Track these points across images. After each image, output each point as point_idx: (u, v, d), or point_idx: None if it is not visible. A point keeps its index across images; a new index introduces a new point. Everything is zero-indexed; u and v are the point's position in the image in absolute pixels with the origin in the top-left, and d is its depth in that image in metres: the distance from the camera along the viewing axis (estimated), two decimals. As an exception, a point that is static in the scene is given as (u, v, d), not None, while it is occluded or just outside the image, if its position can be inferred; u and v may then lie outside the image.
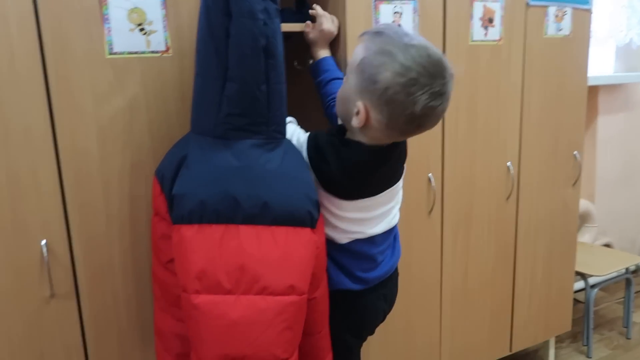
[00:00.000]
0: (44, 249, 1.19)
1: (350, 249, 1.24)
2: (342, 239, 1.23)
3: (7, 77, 1.12)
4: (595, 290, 2.37)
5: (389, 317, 1.42)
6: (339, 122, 1.24)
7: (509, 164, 1.92)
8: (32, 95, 1.15)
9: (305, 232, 1.08)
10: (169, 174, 1.10)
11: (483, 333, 1.99)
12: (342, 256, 1.25)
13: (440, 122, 1.69)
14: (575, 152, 2.10)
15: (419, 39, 1.08)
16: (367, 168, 1.15)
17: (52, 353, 1.24)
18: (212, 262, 1.03)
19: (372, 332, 1.41)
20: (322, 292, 1.16)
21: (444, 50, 1.70)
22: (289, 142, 1.16)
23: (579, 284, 2.67)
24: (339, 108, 1.19)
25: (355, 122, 1.10)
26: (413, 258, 1.75)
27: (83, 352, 1.28)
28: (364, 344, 1.44)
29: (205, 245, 1.04)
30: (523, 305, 2.09)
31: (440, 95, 1.04)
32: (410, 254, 1.74)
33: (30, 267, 1.19)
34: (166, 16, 1.26)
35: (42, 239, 1.19)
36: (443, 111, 1.09)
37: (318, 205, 1.11)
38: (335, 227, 1.21)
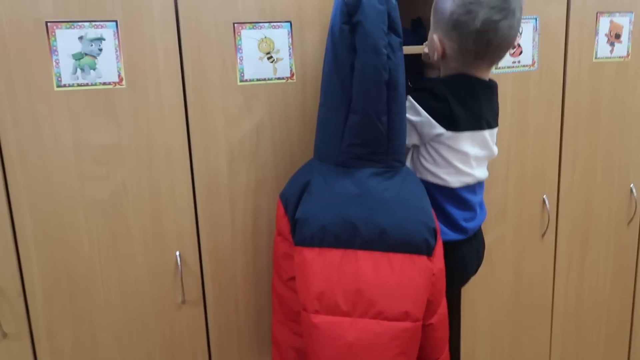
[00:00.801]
0: (178, 259, 1.31)
1: (459, 196, 1.29)
2: (455, 182, 1.27)
3: (154, 102, 1.24)
4: None
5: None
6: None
7: (631, 186, 1.81)
8: (173, 119, 1.26)
9: (421, 260, 1.10)
10: (293, 198, 1.17)
11: (595, 363, 1.90)
12: (450, 204, 1.29)
13: (557, 142, 1.65)
14: None
15: None
16: (474, 92, 1.23)
17: (182, 356, 1.37)
18: (331, 284, 1.09)
19: (464, 282, 1.46)
20: (440, 319, 1.17)
21: (564, 68, 1.63)
22: (408, 170, 1.19)
23: None
24: (429, 52, 1.28)
25: (435, 55, 1.23)
26: (523, 282, 1.71)
27: (207, 356, 1.39)
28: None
29: (325, 268, 1.10)
30: (642, 337, 1.96)
31: (501, 9, 1.13)
32: (521, 277, 1.70)
33: (167, 275, 1.32)
34: (292, 44, 1.33)
35: (177, 250, 1.31)
36: (510, 28, 1.16)
37: (435, 233, 1.13)
38: (451, 169, 1.26)
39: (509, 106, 1.58)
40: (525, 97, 1.59)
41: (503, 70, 1.55)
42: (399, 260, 1.08)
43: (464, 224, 1.30)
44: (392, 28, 1.09)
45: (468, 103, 1.22)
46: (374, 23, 1.06)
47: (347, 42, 1.10)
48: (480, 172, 1.32)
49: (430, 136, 1.23)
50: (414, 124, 1.22)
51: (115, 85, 1.21)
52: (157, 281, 1.31)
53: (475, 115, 1.24)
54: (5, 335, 1.23)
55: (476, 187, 1.34)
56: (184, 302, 1.34)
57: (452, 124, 1.20)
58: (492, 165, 1.58)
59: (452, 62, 1.23)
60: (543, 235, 1.70)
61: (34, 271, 1.22)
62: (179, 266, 1.31)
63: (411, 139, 1.25)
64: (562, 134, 1.67)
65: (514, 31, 1.18)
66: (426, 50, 1.47)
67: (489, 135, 1.29)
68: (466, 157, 1.26)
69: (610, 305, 1.87)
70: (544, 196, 1.68)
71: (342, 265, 1.08)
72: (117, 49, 1.20)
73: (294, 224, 1.13)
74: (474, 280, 1.61)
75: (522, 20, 1.54)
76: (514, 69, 1.56)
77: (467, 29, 1.14)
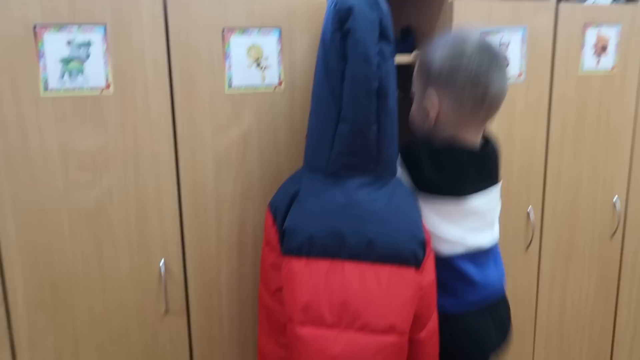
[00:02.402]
0: (163, 268, 1.29)
1: (453, 266, 1.22)
2: (447, 249, 1.21)
3: (142, 109, 1.22)
4: None
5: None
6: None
7: (615, 198, 1.83)
8: (161, 126, 1.25)
9: (408, 272, 1.10)
10: (282, 207, 1.16)
11: (577, 374, 1.92)
12: (447, 275, 1.22)
13: (543, 154, 1.67)
14: (690, 188, 1.96)
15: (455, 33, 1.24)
16: (455, 160, 1.19)
17: (164, 365, 1.35)
18: (317, 295, 1.08)
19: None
20: (429, 334, 1.16)
21: (551, 80, 1.65)
22: (399, 180, 1.18)
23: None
24: (416, 122, 1.26)
25: (429, 122, 1.20)
26: (507, 294, 1.71)
27: (191, 366, 1.38)
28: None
29: (312, 278, 1.08)
30: (624, 351, 1.98)
31: (490, 58, 1.14)
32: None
33: (150, 284, 1.30)
34: (281, 51, 1.32)
35: (161, 258, 1.29)
36: (502, 79, 1.16)
37: (424, 245, 1.12)
38: (441, 237, 1.20)
39: (496, 117, 1.58)
40: (512, 109, 1.60)
41: (491, 82, 1.55)
42: (386, 272, 1.07)
43: (464, 294, 1.23)
44: (383, 35, 1.08)
45: (452, 174, 1.19)
46: (365, 31, 1.05)
47: (338, 50, 1.09)
48: (477, 240, 1.24)
49: None
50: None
51: (103, 90, 1.19)
52: (141, 290, 1.29)
53: (461, 183, 1.20)
54: (-18, 344, 1.20)
55: (478, 257, 1.25)
56: (167, 312, 1.32)
57: (425, 186, 1.19)
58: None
59: (444, 126, 1.19)
60: (527, 247, 1.71)
61: (16, 280, 1.20)
62: (163, 275, 1.29)
63: None
64: (548, 146, 1.68)
65: (506, 86, 1.18)
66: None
67: (482, 198, 1.23)
68: (451, 223, 1.20)
69: (592, 319, 1.89)
70: (529, 208, 1.69)
71: (328, 276, 1.07)
72: (105, 54, 1.18)
73: (283, 233, 1.12)
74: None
75: (511, 31, 1.56)
76: (502, 81, 1.57)
77: (461, 81, 1.13)
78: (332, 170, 1.12)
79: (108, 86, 1.19)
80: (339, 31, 1.08)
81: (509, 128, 1.61)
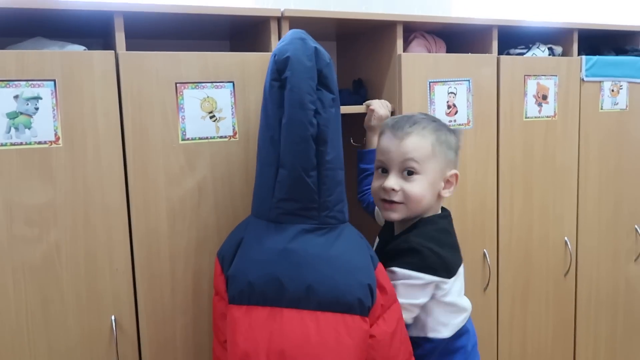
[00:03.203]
0: (114, 324, 1.25)
1: (460, 345, 1.24)
2: (461, 319, 1.24)
3: (92, 161, 1.22)
4: (665, 371, 2.23)
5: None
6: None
7: (566, 238, 1.88)
8: (112, 178, 1.24)
9: (353, 320, 1.07)
10: (228, 255, 1.15)
11: (543, 416, 1.91)
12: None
13: (494, 197, 1.72)
14: (636, 226, 2.04)
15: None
16: (448, 238, 1.26)
17: None
18: (255, 344, 1.05)
19: None
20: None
21: (497, 127, 1.72)
22: (348, 226, 1.18)
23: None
24: (426, 199, 1.23)
25: (447, 192, 1.26)
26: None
27: None
28: None
29: (251, 327, 1.06)
30: (585, 388, 1.99)
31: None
32: (466, 331, 1.71)
33: (101, 341, 1.25)
34: (235, 104, 1.35)
35: (112, 315, 1.26)
36: None
37: (372, 291, 1.10)
38: (455, 310, 1.23)
39: (448, 163, 1.63)
40: (463, 155, 1.65)
41: (440, 129, 1.62)
42: (328, 319, 1.05)
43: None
44: (323, 84, 1.11)
45: (450, 245, 1.24)
46: (301, 79, 1.08)
47: (276, 97, 1.11)
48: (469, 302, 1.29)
49: (441, 293, 1.19)
50: (420, 287, 1.17)
51: (52, 144, 1.19)
52: (91, 348, 1.24)
53: (456, 251, 1.26)
54: None
55: (471, 329, 1.30)
56: (119, 369, 1.27)
57: (450, 271, 1.20)
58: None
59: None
60: (485, 289, 1.74)
61: (-47, 341, 1.14)
62: (114, 331, 1.25)
63: (422, 300, 1.18)
64: (499, 189, 1.74)
65: None
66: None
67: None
68: (461, 291, 1.26)
69: (553, 356, 1.90)
70: (484, 250, 1.72)
71: (267, 324, 1.05)
72: (55, 108, 1.18)
73: (227, 281, 1.11)
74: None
75: (457, 82, 1.64)
76: (450, 128, 1.63)
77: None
78: (274, 217, 1.12)
79: (57, 139, 1.19)
80: (277, 80, 1.11)
81: (460, 173, 1.64)
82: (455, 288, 1.22)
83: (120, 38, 1.25)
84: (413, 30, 1.71)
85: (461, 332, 1.25)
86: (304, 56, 1.11)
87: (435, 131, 1.24)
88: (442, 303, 1.19)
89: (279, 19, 1.41)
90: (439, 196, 1.25)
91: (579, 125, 1.88)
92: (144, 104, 1.26)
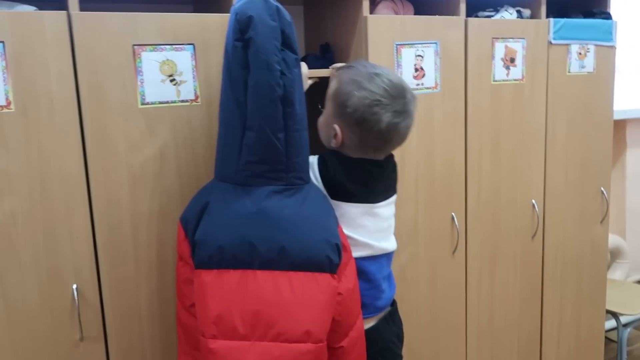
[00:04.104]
0: (75, 293, 1.23)
1: (360, 269, 1.26)
2: (353, 252, 1.24)
3: (47, 127, 1.18)
4: (629, 329, 2.31)
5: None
6: None
7: (533, 201, 1.91)
8: (69, 143, 1.20)
9: (323, 278, 1.09)
10: (193, 220, 1.14)
11: (511, 374, 1.96)
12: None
13: (462, 161, 1.72)
14: (602, 188, 2.08)
15: (383, 69, 1.26)
16: (365, 171, 1.26)
17: (81, 395, 1.27)
18: (229, 307, 1.05)
19: None
20: (352, 341, 1.15)
21: (465, 90, 1.72)
22: (312, 187, 1.18)
23: (611, 323, 2.60)
24: (322, 134, 1.32)
25: (334, 142, 1.25)
26: (437, 299, 1.74)
27: (110, 394, 1.31)
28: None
29: (223, 290, 1.06)
30: (552, 346, 2.04)
31: (402, 113, 1.22)
32: (434, 294, 1.73)
33: (62, 311, 1.23)
34: (196, 67, 1.31)
35: (74, 284, 1.23)
36: (407, 127, 1.26)
37: (339, 250, 1.12)
38: (353, 241, 1.24)
39: (415, 127, 1.61)
40: (430, 118, 1.65)
41: (408, 92, 1.60)
42: (300, 278, 1.07)
43: (367, 300, 1.27)
44: (286, 44, 1.10)
45: (359, 180, 1.25)
46: (266, 39, 1.06)
47: (240, 59, 1.09)
48: (383, 244, 1.31)
49: None
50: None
51: (3, 109, 1.14)
52: (52, 317, 1.22)
53: (368, 190, 1.27)
54: None
55: (382, 259, 1.32)
56: (82, 339, 1.25)
57: (338, 194, 1.23)
58: (402, 185, 1.61)
59: (351, 151, 1.26)
60: (454, 252, 1.75)
61: None
62: (76, 300, 1.23)
63: None
64: (467, 153, 1.74)
65: (410, 128, 1.27)
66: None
67: (385, 206, 1.32)
68: (360, 228, 1.26)
69: (520, 318, 1.94)
70: (453, 214, 1.73)
71: (240, 286, 1.05)
72: (5, 71, 1.13)
73: (194, 246, 1.10)
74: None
75: (424, 45, 1.62)
76: (418, 91, 1.62)
77: (371, 128, 1.20)
78: (241, 180, 1.11)
79: (9, 104, 1.14)
80: (241, 40, 1.09)
81: (428, 137, 1.66)
82: (341, 214, 1.23)
83: (72, -3, 1.20)
84: (380, -7, 1.67)
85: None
86: (267, 15, 1.09)
87: (348, 82, 1.22)
88: None
89: (240, -21, 1.36)
90: (337, 145, 1.25)
91: (547, 89, 1.88)
92: (100, 67, 1.21)
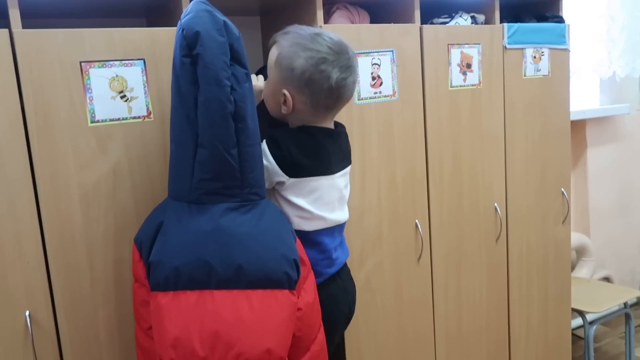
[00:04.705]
0: (28, 320, 1.19)
1: (313, 239, 1.29)
2: (307, 226, 1.28)
3: (-10, 150, 1.14)
4: (595, 326, 2.34)
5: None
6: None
7: (496, 205, 1.93)
8: (15, 166, 1.16)
9: (282, 294, 1.08)
10: (147, 241, 1.11)
11: (482, 378, 1.96)
12: (308, 251, 1.27)
13: (424, 168, 1.73)
14: (562, 189, 2.12)
15: (321, 29, 1.32)
16: (318, 143, 1.27)
17: None
18: (187, 329, 1.03)
19: (344, 324, 1.43)
20: (313, 356, 1.14)
21: (423, 97, 1.73)
22: (268, 202, 1.17)
23: (578, 321, 2.64)
24: (269, 105, 1.33)
25: (284, 109, 1.27)
26: (404, 307, 1.74)
27: (69, 423, 1.26)
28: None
29: (180, 312, 1.04)
30: (520, 347, 2.06)
31: (347, 68, 1.25)
32: (401, 302, 1.73)
33: (15, 339, 1.18)
34: (147, 82, 1.29)
35: (26, 310, 1.19)
36: (354, 83, 1.30)
37: (297, 265, 1.11)
38: (303, 212, 1.27)
39: (375, 135, 1.63)
40: (390, 126, 1.66)
41: (366, 101, 1.61)
42: (258, 296, 1.05)
43: (320, 269, 1.30)
44: (235, 59, 1.08)
45: (313, 153, 1.26)
46: (215, 55, 1.05)
47: (189, 75, 1.08)
48: (337, 215, 1.33)
49: (272, 183, 1.25)
50: (265, 167, 1.22)
51: (-57, 132, 1.10)
52: (4, 347, 1.17)
53: (323, 162, 1.28)
54: None
55: (335, 230, 1.35)
56: (36, 366, 1.21)
57: (295, 172, 1.23)
58: (364, 194, 1.62)
59: (301, 114, 1.28)
60: (419, 259, 1.76)
61: None
62: (29, 327, 1.19)
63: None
64: (428, 159, 1.75)
65: (354, 86, 1.32)
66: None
67: (340, 178, 1.33)
68: (316, 202, 1.28)
69: (488, 320, 1.96)
70: (417, 221, 1.74)
71: (198, 307, 1.03)
72: (-56, 92, 1.09)
73: (149, 267, 1.07)
74: (356, 309, 1.62)
75: (380, 53, 1.63)
76: (376, 99, 1.63)
77: (321, 86, 1.22)
78: (195, 198, 1.09)
79: (-52, 127, 1.10)
80: (188, 57, 1.07)
81: (389, 144, 1.66)
82: (297, 190, 1.25)
83: (14, 15, 1.17)
84: (336, 2, 1.68)
85: (309, 242, 1.28)
86: (214, 30, 1.07)
87: (290, 45, 1.23)
88: (281, 197, 1.26)
89: (191, -8, 1.35)
90: (289, 110, 1.27)
91: (504, 93, 1.91)
92: (46, 85, 1.18)
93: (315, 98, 1.24)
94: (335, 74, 1.22)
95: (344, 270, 1.41)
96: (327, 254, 1.32)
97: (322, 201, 1.28)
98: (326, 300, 1.27)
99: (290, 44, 1.23)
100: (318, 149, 1.27)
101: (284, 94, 1.24)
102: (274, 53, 1.27)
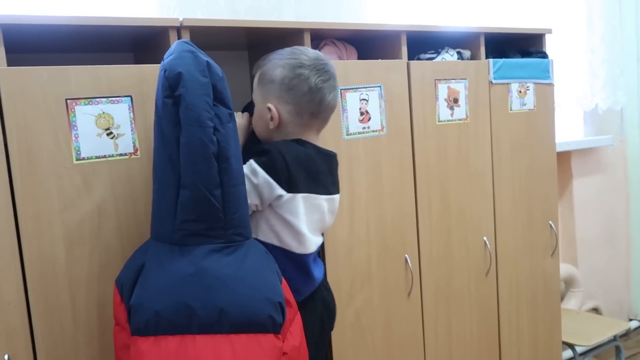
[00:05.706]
0: (6, 365, 1.14)
1: (301, 263, 1.30)
2: (299, 248, 1.28)
3: (-29, 189, 1.11)
4: (586, 358, 2.33)
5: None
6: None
7: (485, 239, 1.92)
8: (-4, 206, 1.14)
9: (266, 339, 1.05)
10: (128, 283, 1.09)
11: (473, 415, 1.93)
12: (292, 269, 1.28)
13: (412, 202, 1.72)
14: (550, 222, 2.12)
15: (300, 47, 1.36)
16: (308, 154, 1.29)
17: None
18: None
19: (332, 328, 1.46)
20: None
21: (411, 132, 1.74)
22: (253, 242, 1.15)
23: (569, 353, 2.62)
24: (258, 130, 1.35)
25: (272, 124, 1.29)
26: (394, 343, 1.71)
27: None
28: None
29: (160, 358, 1.01)
30: (512, 383, 2.03)
31: (325, 71, 1.29)
32: (392, 339, 1.70)
33: (-9, 385, 1.14)
34: (134, 119, 1.28)
35: (5, 354, 1.15)
36: (334, 87, 1.33)
37: (282, 308, 1.08)
38: (296, 234, 1.27)
39: (363, 170, 1.63)
40: (378, 161, 1.66)
41: (354, 136, 1.61)
42: (242, 341, 1.02)
43: (301, 287, 1.31)
44: (219, 99, 1.08)
45: (305, 164, 1.27)
46: (197, 96, 1.04)
47: (171, 116, 1.07)
48: (320, 239, 1.36)
49: (270, 199, 1.23)
50: (254, 186, 1.22)
51: None
52: (-21, 394, 1.13)
53: (313, 178, 1.28)
54: None
55: (315, 253, 1.37)
56: (14, 414, 1.16)
57: (291, 185, 1.23)
58: (353, 228, 1.61)
59: (289, 127, 1.29)
60: (409, 294, 1.74)
61: None
62: (7, 373, 1.14)
63: (252, 201, 1.23)
64: (417, 194, 1.75)
65: (336, 94, 1.35)
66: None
67: (326, 202, 1.33)
68: (312, 224, 1.29)
69: (479, 356, 1.93)
70: (406, 255, 1.73)
71: (179, 353, 1.00)
72: None
73: (129, 311, 1.04)
74: (346, 347, 1.59)
75: (368, 89, 1.64)
76: (364, 135, 1.63)
77: (302, 89, 1.26)
78: (177, 239, 1.07)
79: None
80: (170, 97, 1.06)
81: (377, 179, 1.66)
82: (294, 207, 1.25)
83: (-1, 53, 1.16)
84: (324, 38, 1.69)
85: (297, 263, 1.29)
86: (197, 71, 1.07)
87: (270, 61, 1.30)
88: (276, 214, 1.25)
89: (178, 29, 1.35)
90: (275, 126, 1.29)
91: (491, 127, 1.93)
92: (31, 123, 1.17)
93: (298, 103, 1.27)
94: (313, 77, 1.26)
95: (322, 283, 1.42)
96: (306, 271, 1.33)
97: (312, 223, 1.30)
98: (310, 314, 1.30)
99: (270, 61, 1.31)
100: (309, 160, 1.28)
101: (269, 108, 1.27)
102: (256, 75, 1.33)
